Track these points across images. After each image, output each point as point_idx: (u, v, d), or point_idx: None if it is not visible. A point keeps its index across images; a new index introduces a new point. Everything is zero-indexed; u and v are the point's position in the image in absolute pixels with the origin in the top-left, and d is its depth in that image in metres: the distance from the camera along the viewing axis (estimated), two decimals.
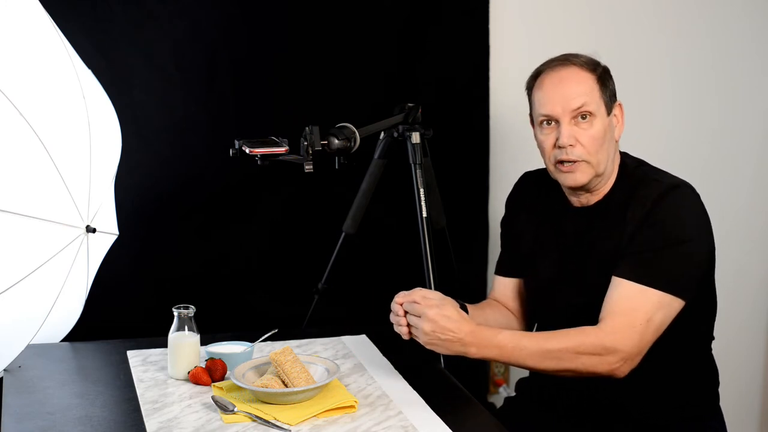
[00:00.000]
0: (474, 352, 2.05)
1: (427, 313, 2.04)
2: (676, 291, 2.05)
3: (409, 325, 2.09)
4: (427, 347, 2.07)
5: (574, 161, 2.12)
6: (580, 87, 2.12)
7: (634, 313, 2.03)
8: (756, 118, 3.42)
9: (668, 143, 3.34)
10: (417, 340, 2.09)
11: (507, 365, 2.09)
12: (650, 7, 3.28)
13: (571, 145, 2.11)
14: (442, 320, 2.03)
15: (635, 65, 3.26)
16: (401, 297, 2.10)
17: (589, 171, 2.13)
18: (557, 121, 2.13)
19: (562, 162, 2.13)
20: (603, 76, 2.16)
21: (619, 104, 2.19)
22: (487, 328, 2.08)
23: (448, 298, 2.10)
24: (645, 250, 2.06)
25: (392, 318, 2.12)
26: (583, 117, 2.11)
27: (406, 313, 2.09)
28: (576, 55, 2.17)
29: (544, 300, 2.27)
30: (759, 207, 3.48)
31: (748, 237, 3.48)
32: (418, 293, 2.08)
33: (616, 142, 2.19)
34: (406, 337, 2.11)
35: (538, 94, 2.16)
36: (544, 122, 2.15)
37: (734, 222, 3.42)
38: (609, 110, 2.15)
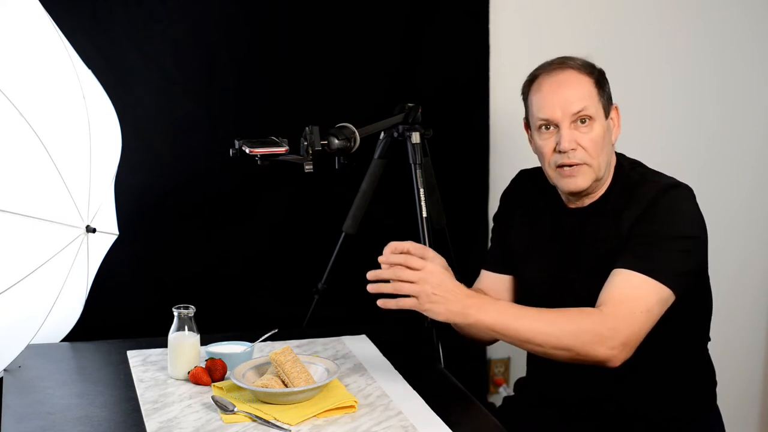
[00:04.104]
0: (473, 314, 1.95)
1: (435, 259, 1.96)
2: (672, 284, 2.03)
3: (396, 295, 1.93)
4: (425, 305, 1.93)
5: (576, 164, 2.10)
6: (580, 91, 2.11)
7: (636, 302, 2.00)
8: (756, 119, 3.42)
9: (669, 144, 3.34)
10: (411, 295, 1.93)
11: (501, 338, 2.00)
12: (650, 7, 3.28)
13: (572, 149, 2.09)
14: (446, 274, 1.96)
15: (635, 65, 3.25)
16: (387, 252, 1.97)
17: (591, 174, 2.11)
18: (556, 126, 2.11)
19: (562, 166, 2.11)
20: (600, 80, 2.15)
21: (615, 107, 2.18)
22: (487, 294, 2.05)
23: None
24: (644, 243, 2.04)
25: (372, 282, 1.98)
26: (583, 121, 2.10)
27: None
28: (572, 58, 2.15)
29: (534, 300, 2.25)
30: (759, 207, 3.48)
31: (748, 237, 3.48)
32: (409, 243, 1.96)
33: (613, 145, 2.17)
34: (394, 305, 1.92)
35: (535, 98, 2.14)
36: (543, 127, 2.13)
37: (734, 222, 3.42)
38: (607, 113, 2.15)
